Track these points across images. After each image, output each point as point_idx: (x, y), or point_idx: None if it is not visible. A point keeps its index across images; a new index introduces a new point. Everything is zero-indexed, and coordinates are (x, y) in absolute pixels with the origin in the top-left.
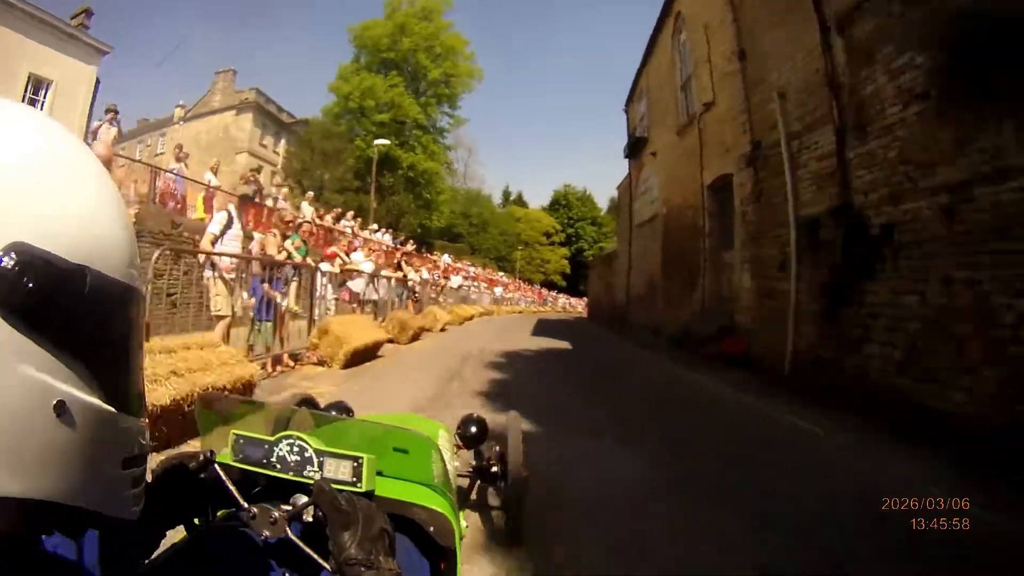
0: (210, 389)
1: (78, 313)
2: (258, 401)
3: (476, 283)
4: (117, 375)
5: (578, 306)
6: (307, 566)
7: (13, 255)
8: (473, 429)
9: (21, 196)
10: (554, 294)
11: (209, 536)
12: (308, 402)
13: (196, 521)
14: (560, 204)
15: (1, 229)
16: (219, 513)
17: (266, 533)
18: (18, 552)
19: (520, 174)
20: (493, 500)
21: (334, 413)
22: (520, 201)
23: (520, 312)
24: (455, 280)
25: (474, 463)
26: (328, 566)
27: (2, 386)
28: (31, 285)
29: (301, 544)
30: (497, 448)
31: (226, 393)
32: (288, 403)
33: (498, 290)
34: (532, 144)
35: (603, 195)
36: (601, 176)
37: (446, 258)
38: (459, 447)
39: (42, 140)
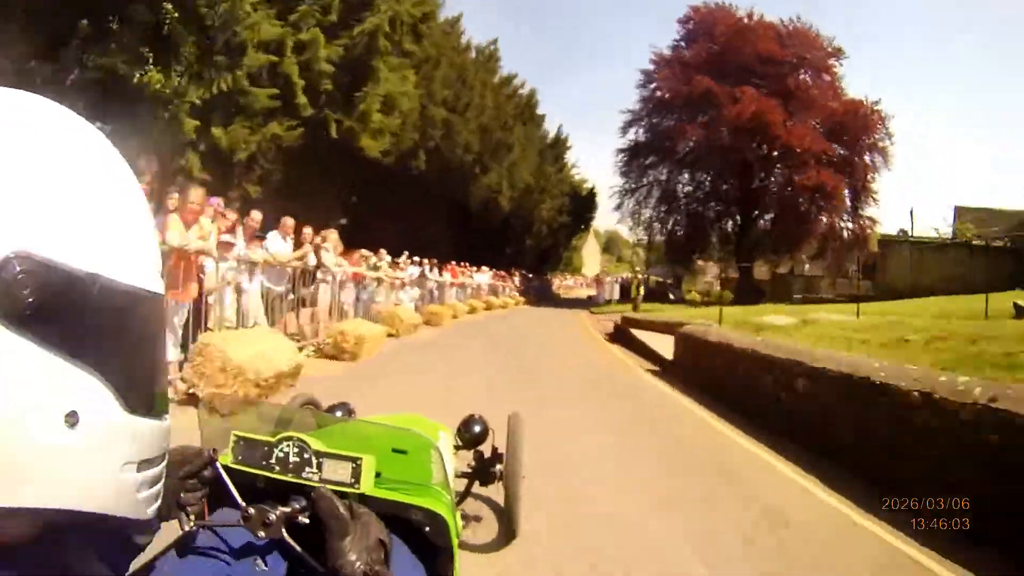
0: None
1: (88, 321)
2: (260, 402)
3: None
4: (133, 380)
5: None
6: (301, 568)
7: (16, 263)
8: (476, 429)
9: (28, 196)
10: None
11: (203, 535)
12: (311, 403)
13: (192, 519)
14: None
15: (5, 234)
16: (213, 513)
17: (261, 534)
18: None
19: None
20: (489, 500)
21: (339, 414)
22: None
23: None
24: None
25: (473, 463)
26: (321, 569)
27: (10, 398)
28: (35, 296)
29: (296, 546)
30: (496, 448)
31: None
32: (291, 404)
33: None
34: None
35: None
36: None
37: None
38: (459, 447)
39: (52, 131)
